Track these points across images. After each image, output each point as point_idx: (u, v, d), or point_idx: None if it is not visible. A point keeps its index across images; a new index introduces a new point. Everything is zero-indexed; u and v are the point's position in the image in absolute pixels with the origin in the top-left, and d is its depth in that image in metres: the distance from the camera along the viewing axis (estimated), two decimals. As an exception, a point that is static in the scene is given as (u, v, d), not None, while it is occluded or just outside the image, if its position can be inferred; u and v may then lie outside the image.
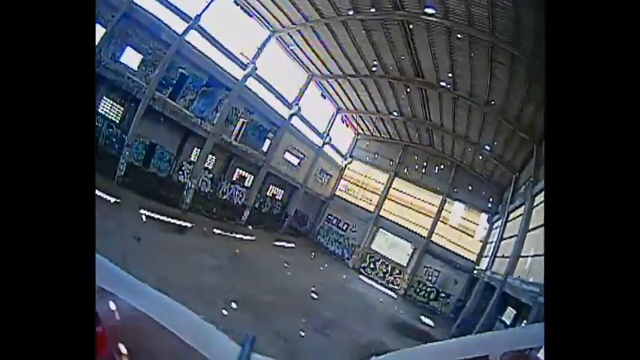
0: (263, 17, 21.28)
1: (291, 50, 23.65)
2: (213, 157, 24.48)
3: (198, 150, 23.40)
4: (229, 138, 22.99)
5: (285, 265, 18.21)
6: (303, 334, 10.60)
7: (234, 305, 10.01)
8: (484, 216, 26.97)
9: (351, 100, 27.67)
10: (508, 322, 17.17)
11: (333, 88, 26.92)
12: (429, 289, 26.89)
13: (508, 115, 19.70)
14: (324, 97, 28.16)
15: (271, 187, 29.35)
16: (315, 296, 15.17)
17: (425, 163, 29.72)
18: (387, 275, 28.21)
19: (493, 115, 20.82)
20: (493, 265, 21.08)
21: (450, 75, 19.86)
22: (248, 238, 20.48)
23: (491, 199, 26.97)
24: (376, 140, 31.95)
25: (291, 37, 22.34)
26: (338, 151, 31.50)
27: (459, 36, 17.06)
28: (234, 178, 26.01)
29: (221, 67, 20.73)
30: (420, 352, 1.24)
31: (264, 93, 23.61)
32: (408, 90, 23.40)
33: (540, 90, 16.17)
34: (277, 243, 23.16)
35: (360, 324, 14.39)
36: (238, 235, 20.00)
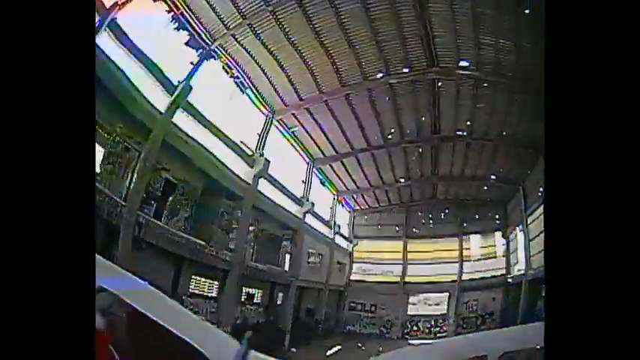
0: (261, 95, 14.99)
1: (293, 133, 17.96)
2: (214, 282, 15.72)
3: (197, 278, 14.60)
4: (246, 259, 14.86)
5: None
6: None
7: None
8: (498, 233, 25.30)
9: (352, 178, 21.73)
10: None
11: (333, 169, 20.80)
12: (474, 319, 24.33)
13: (517, 138, 17.24)
14: (323, 184, 21.65)
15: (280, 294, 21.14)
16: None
17: (430, 215, 26.15)
18: (432, 329, 24.99)
19: (503, 144, 18.31)
20: (531, 262, 19.73)
21: (469, 123, 16.56)
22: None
23: (497, 216, 25.20)
24: (374, 211, 26.40)
25: (295, 117, 16.77)
26: (343, 236, 24.58)
27: (485, 84, 14.11)
28: (243, 299, 17.31)
29: (224, 164, 13.55)
30: (420, 351, 1.17)
31: (271, 192, 16.15)
32: (420, 150, 19.18)
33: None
34: (329, 353, 17.70)
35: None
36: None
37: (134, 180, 9.98)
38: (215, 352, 1.01)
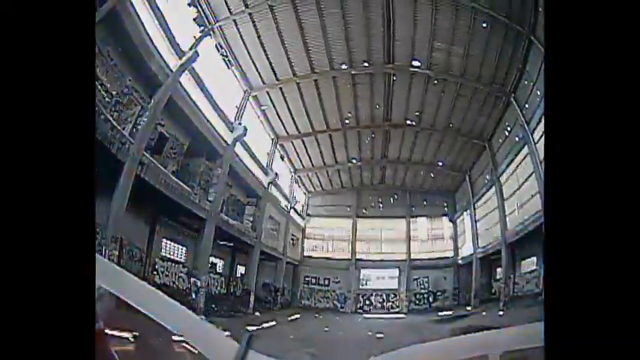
0: (243, 72, 18.21)
1: (262, 110, 21.10)
2: (184, 248, 18.02)
3: (168, 242, 16.85)
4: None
5: (326, 329, 16.19)
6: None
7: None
8: (445, 218, 29.46)
9: (310, 158, 25.71)
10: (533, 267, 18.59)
11: (294, 146, 24.57)
12: (426, 295, 27.77)
13: (463, 130, 22.16)
14: (283, 159, 25.25)
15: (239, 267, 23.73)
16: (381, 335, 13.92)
17: (380, 198, 30.26)
18: (385, 303, 27.92)
19: (450, 135, 22.87)
20: (478, 242, 24.17)
21: (417, 113, 21.20)
22: (270, 324, 16.05)
23: (445, 203, 29.44)
24: (328, 193, 30.51)
25: (268, 94, 19.99)
26: (297, 212, 28.17)
27: (435, 82, 18.89)
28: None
29: (212, 126, 16.20)
30: (419, 351, 1.17)
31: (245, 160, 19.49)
32: (373, 135, 23.73)
33: (491, 105, 19.81)
34: (290, 318, 19.89)
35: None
36: (265, 326, 15.42)
37: (142, 123, 12.33)
38: (214, 352, 1.04)
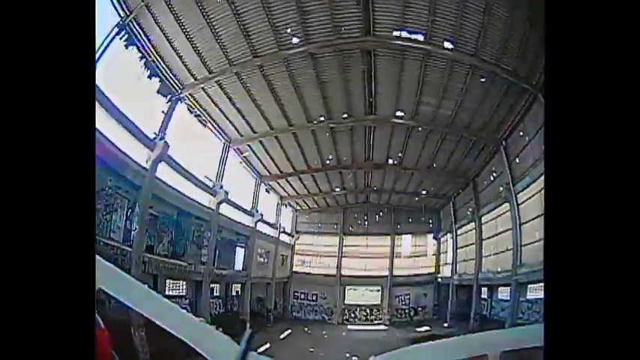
0: (220, 127, 17.90)
1: (244, 158, 21.29)
2: (184, 283, 19.29)
3: (170, 281, 17.92)
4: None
5: (311, 350, 17.58)
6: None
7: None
8: (430, 236, 30.40)
9: (295, 189, 26.07)
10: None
11: (279, 183, 24.98)
12: (407, 310, 29.53)
13: (448, 169, 22.02)
14: (268, 192, 25.71)
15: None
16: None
17: (365, 217, 31.10)
18: (368, 316, 29.51)
19: (433, 173, 22.86)
20: (457, 268, 25.11)
21: (400, 154, 21.00)
22: (265, 347, 17.11)
23: (430, 220, 30.26)
24: (315, 211, 31.13)
25: (249, 146, 19.87)
26: (286, 232, 29.04)
27: (419, 129, 18.21)
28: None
29: (190, 198, 16.73)
30: (420, 350, 1.19)
31: (229, 209, 20.15)
32: (355, 171, 23.87)
33: (478, 149, 19.25)
34: (282, 336, 21.28)
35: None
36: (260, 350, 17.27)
37: (135, 228, 12.86)
38: (215, 353, 1.06)
